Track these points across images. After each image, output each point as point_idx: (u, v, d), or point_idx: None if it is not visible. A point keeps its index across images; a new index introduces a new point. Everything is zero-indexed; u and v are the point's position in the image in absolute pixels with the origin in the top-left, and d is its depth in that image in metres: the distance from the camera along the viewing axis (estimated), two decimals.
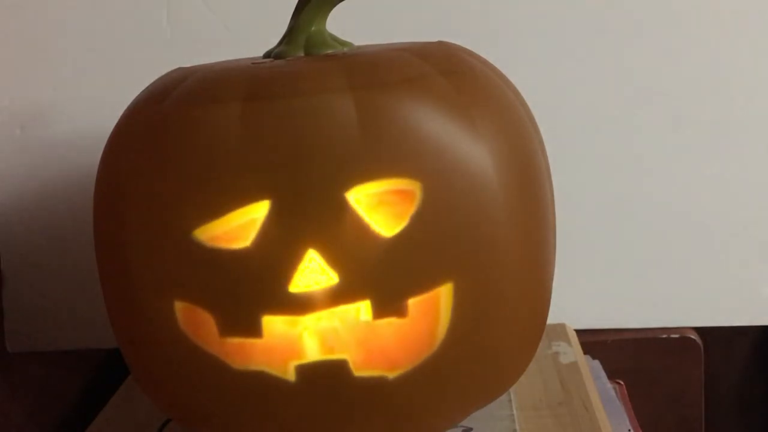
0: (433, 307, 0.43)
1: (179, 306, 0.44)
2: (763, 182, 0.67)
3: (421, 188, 0.42)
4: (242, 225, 0.42)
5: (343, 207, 0.41)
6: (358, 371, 0.43)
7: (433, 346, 0.44)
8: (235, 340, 0.43)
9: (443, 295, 0.43)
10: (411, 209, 0.42)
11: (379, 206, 0.42)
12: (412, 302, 0.43)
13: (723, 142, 0.67)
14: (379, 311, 0.42)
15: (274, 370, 0.43)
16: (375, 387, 0.44)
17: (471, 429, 0.52)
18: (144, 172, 0.44)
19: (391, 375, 0.44)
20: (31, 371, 0.70)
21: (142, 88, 0.49)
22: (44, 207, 0.69)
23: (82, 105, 0.68)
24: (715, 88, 0.66)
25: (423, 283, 0.43)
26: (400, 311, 0.43)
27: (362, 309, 0.42)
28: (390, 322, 0.43)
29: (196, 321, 0.44)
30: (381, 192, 0.42)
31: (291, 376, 0.43)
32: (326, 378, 0.43)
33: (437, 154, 0.42)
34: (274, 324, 0.42)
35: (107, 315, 0.49)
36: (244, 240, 0.42)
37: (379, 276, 0.42)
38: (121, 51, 0.68)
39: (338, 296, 0.42)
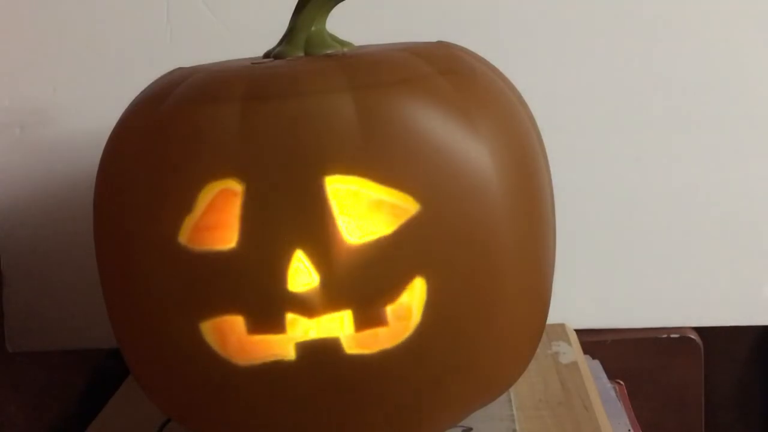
0: (407, 309, 0.43)
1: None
2: (763, 182, 0.67)
3: (418, 207, 0.42)
4: (215, 206, 0.42)
5: (321, 195, 0.41)
6: (350, 350, 0.43)
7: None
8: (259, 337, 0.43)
9: (416, 293, 0.43)
10: (401, 219, 0.42)
11: (360, 206, 0.42)
12: (390, 309, 0.43)
13: (723, 142, 0.67)
14: (361, 322, 0.42)
15: (277, 355, 0.43)
16: (364, 365, 0.44)
17: (471, 429, 0.52)
18: (143, 173, 0.44)
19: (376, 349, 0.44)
20: (31, 371, 0.70)
21: (142, 88, 0.49)
22: (44, 207, 0.69)
23: (82, 105, 0.68)
24: (716, 88, 0.66)
25: (395, 289, 0.43)
26: (380, 320, 0.43)
27: (345, 319, 0.42)
28: (373, 332, 0.43)
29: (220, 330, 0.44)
30: (368, 195, 0.42)
31: (291, 354, 0.43)
32: (322, 354, 0.43)
33: (436, 159, 0.42)
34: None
35: (107, 315, 0.49)
36: (227, 231, 0.42)
37: (355, 281, 0.42)
38: (121, 51, 0.68)
39: (323, 300, 0.42)
